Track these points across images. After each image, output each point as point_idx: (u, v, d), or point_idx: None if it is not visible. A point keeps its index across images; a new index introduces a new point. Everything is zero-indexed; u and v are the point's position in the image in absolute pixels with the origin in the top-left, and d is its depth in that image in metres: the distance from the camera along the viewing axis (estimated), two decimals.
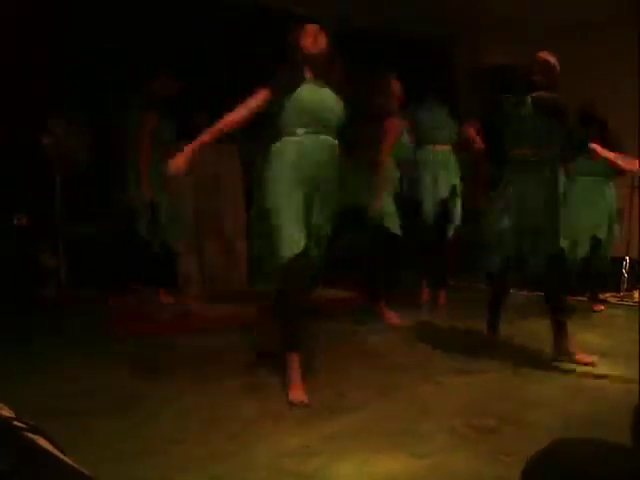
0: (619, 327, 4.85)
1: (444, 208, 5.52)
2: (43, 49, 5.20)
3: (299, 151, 3.06)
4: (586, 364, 3.69)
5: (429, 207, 5.50)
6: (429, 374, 3.52)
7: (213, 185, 5.55)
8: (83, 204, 5.24)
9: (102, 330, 4.34)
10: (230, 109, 3.09)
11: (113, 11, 5.27)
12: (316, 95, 3.10)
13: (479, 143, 4.11)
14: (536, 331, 4.38)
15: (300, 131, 3.07)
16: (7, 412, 1.15)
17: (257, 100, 3.05)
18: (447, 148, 5.50)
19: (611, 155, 4.89)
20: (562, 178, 4.24)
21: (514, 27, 6.50)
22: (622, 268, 6.04)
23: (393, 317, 4.85)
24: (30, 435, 1.07)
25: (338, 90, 3.17)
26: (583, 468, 1.28)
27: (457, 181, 5.55)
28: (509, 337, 4.23)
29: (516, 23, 6.40)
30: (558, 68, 3.78)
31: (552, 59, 3.77)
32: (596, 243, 5.38)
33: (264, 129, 3.19)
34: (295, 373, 3.07)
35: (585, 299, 5.58)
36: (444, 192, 5.48)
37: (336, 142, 3.17)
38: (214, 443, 2.53)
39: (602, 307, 5.54)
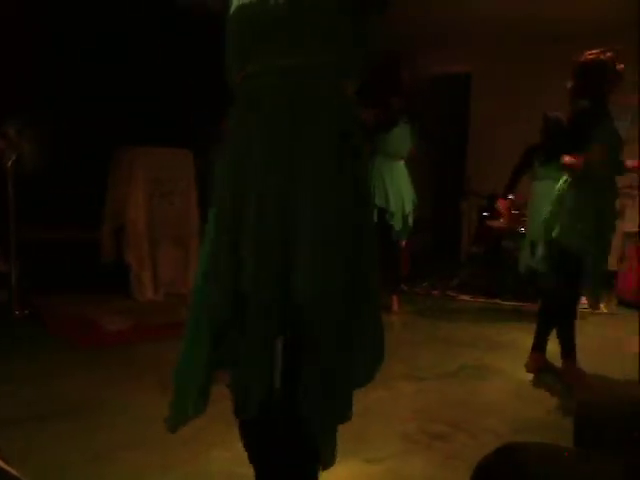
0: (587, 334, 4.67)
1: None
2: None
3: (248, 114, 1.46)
4: None
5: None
6: (382, 380, 3.53)
7: (167, 189, 5.51)
8: (37, 208, 5.16)
9: (55, 336, 4.26)
10: None
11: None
12: None
13: None
14: (490, 337, 4.47)
15: (249, 67, 1.46)
16: None
17: None
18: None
19: None
20: None
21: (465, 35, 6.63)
22: None
23: None
24: None
25: None
26: (529, 470, 1.33)
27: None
28: (464, 343, 4.30)
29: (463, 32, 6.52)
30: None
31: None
32: None
33: None
34: None
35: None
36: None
37: (335, 81, 1.48)
38: (167, 450, 2.51)
39: None
